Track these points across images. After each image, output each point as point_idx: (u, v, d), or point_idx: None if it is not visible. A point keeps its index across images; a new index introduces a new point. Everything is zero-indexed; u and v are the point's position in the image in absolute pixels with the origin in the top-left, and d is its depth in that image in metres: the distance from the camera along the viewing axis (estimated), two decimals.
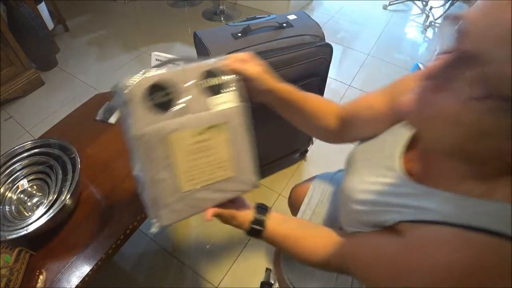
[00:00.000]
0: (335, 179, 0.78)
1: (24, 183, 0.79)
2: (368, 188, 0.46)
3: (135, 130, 0.42)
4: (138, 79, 0.42)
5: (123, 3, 2.86)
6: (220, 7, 2.63)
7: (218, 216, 0.49)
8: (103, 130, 0.97)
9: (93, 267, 0.69)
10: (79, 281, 0.67)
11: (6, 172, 0.78)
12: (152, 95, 0.42)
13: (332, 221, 0.70)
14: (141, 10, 2.79)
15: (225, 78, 0.47)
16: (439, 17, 2.60)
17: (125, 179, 0.85)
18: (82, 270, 0.68)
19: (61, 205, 0.69)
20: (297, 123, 0.60)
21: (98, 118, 1.01)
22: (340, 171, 0.81)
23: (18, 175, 0.80)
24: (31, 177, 0.80)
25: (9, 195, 0.78)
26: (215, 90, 0.46)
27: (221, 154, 0.46)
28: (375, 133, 0.52)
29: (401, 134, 0.47)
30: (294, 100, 0.54)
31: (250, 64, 0.49)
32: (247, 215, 0.51)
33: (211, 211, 0.47)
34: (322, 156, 1.54)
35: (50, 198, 0.73)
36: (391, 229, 0.41)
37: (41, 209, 0.70)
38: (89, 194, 0.82)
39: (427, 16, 2.69)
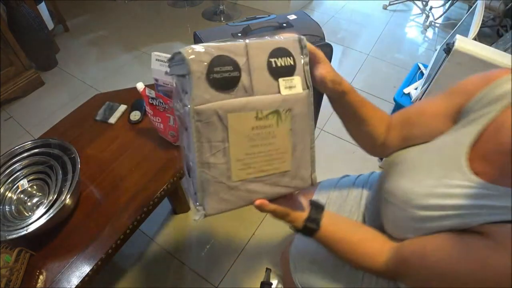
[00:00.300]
0: (340, 185, 0.77)
1: (24, 183, 0.79)
2: (432, 191, 0.44)
3: (194, 104, 0.37)
4: (203, 48, 0.37)
5: (123, 3, 2.86)
6: (220, 7, 2.63)
7: (269, 211, 0.46)
8: (103, 130, 0.97)
9: (93, 267, 0.69)
10: (79, 281, 0.67)
11: (6, 172, 0.78)
12: (217, 68, 0.38)
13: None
14: (141, 10, 2.79)
15: (293, 60, 0.42)
16: (439, 17, 2.60)
17: (125, 179, 0.85)
18: (82, 270, 0.68)
19: (61, 205, 0.69)
20: (348, 125, 0.58)
21: (98, 118, 1.01)
22: (344, 177, 0.80)
23: (18, 175, 0.80)
24: (31, 177, 0.80)
25: (9, 195, 0.78)
26: (282, 71, 0.41)
27: (281, 144, 0.42)
28: (424, 139, 0.51)
29: (462, 135, 0.45)
30: (354, 102, 0.52)
31: (326, 67, 0.47)
32: (301, 211, 0.49)
33: (261, 201, 0.44)
34: (322, 156, 1.54)
35: (50, 198, 0.73)
36: (466, 231, 0.40)
37: (41, 209, 0.70)
38: (89, 194, 0.82)
39: (427, 16, 2.69)
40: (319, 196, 0.76)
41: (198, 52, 0.37)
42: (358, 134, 0.59)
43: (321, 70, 0.47)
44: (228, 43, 0.39)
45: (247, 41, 0.40)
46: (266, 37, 0.42)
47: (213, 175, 0.40)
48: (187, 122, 0.39)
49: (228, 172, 0.40)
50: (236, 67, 0.39)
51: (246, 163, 0.41)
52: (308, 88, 0.43)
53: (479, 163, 0.42)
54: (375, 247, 0.50)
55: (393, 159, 0.55)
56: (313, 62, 0.47)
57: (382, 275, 0.50)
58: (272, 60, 0.40)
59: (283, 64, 0.41)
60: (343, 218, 0.57)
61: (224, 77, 0.38)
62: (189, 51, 0.37)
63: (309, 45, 0.44)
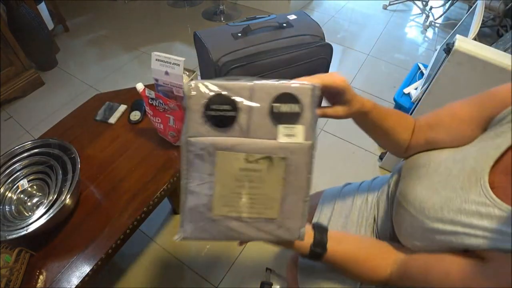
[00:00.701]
0: (343, 194, 0.76)
1: (24, 183, 0.79)
2: (448, 204, 0.43)
3: (187, 135, 0.40)
4: (207, 85, 0.39)
5: (123, 3, 2.86)
6: (220, 7, 2.63)
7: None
8: (103, 130, 0.97)
9: (93, 267, 0.69)
10: (79, 281, 0.67)
11: (6, 172, 0.78)
12: (214, 105, 0.39)
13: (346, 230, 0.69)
14: (141, 10, 2.79)
15: (301, 108, 0.40)
16: (439, 17, 2.60)
17: (125, 179, 0.85)
18: (82, 270, 0.68)
19: (61, 205, 0.69)
20: (372, 136, 0.58)
21: (98, 118, 1.01)
22: (346, 185, 0.79)
23: (18, 175, 0.80)
24: (31, 177, 0.80)
25: (9, 195, 0.78)
26: (285, 118, 0.39)
27: (270, 191, 0.41)
28: (450, 145, 0.50)
29: (490, 148, 0.43)
30: (377, 117, 0.52)
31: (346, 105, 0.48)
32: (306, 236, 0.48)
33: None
34: (322, 156, 1.54)
35: (50, 198, 0.73)
36: (473, 253, 0.39)
37: (41, 209, 0.70)
38: (89, 194, 0.82)
39: (427, 16, 2.69)
40: (322, 208, 0.75)
41: (200, 89, 0.39)
42: (383, 143, 0.59)
43: (337, 110, 0.48)
44: (235, 82, 0.40)
45: (255, 82, 0.39)
46: (280, 80, 0.41)
47: (196, 204, 0.41)
48: (182, 149, 0.41)
49: (211, 205, 0.41)
50: (234, 107, 0.39)
51: (229, 201, 0.41)
52: (311, 139, 0.41)
53: (499, 176, 0.41)
54: (381, 260, 0.50)
55: (414, 161, 0.54)
56: (331, 96, 0.48)
57: (386, 284, 0.50)
58: (276, 104, 0.39)
59: (287, 110, 0.39)
60: (347, 235, 0.57)
61: (220, 115, 0.39)
62: (191, 87, 0.39)
63: (327, 80, 0.44)
